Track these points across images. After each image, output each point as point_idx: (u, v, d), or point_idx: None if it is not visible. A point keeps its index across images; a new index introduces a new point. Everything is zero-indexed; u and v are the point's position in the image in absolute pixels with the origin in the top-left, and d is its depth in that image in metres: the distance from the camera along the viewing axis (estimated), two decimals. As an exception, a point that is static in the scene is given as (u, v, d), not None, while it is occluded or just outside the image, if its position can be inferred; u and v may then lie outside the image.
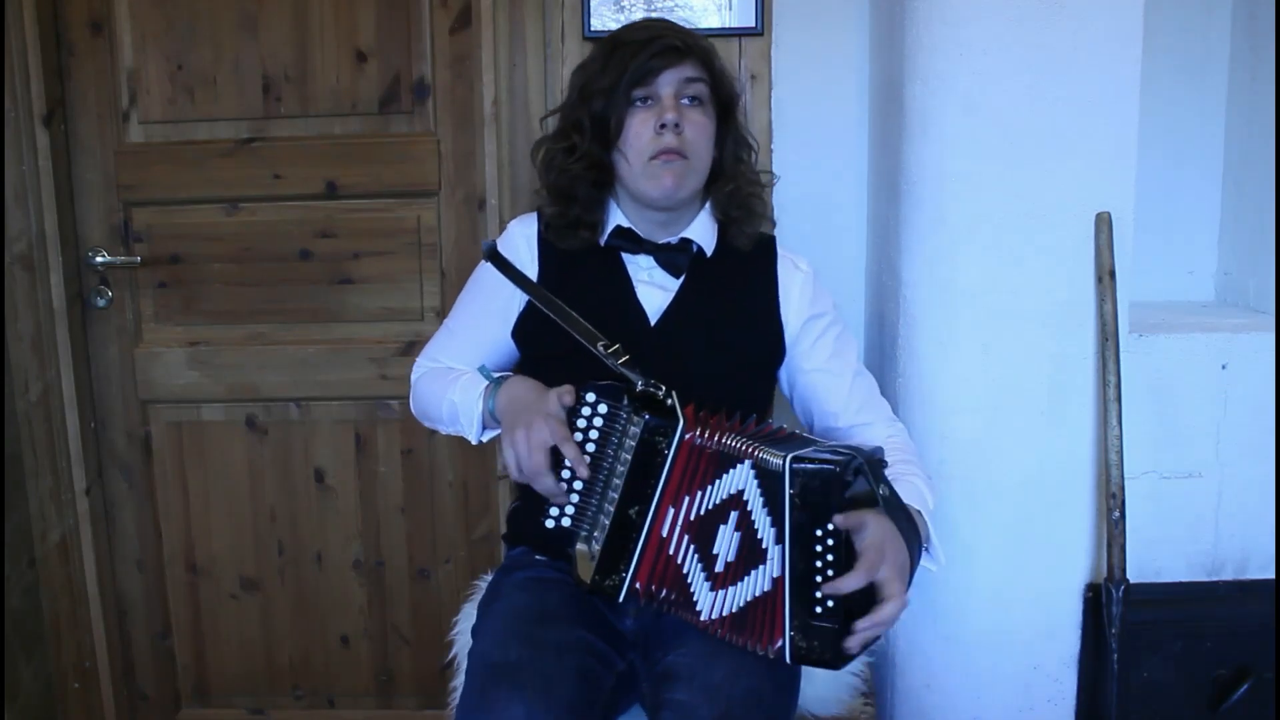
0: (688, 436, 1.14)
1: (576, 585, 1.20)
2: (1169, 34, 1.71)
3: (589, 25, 1.73)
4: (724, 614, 1.16)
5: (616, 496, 1.15)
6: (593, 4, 1.73)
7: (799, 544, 1.09)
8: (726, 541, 1.15)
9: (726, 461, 1.14)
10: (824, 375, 1.38)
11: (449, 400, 1.33)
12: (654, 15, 1.70)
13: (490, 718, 1.09)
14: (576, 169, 1.32)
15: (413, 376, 1.46)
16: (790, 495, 1.08)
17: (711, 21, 1.73)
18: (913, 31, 1.46)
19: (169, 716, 2.04)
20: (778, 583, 1.12)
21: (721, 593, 1.16)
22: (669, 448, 1.13)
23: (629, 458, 1.14)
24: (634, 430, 1.13)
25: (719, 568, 1.16)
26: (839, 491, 1.08)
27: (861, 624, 1.07)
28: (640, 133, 1.28)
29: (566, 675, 1.14)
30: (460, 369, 1.39)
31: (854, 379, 1.39)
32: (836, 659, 1.10)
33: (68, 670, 1.94)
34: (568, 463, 1.15)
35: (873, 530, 1.08)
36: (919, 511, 1.22)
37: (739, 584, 1.15)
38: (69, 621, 1.92)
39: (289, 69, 1.81)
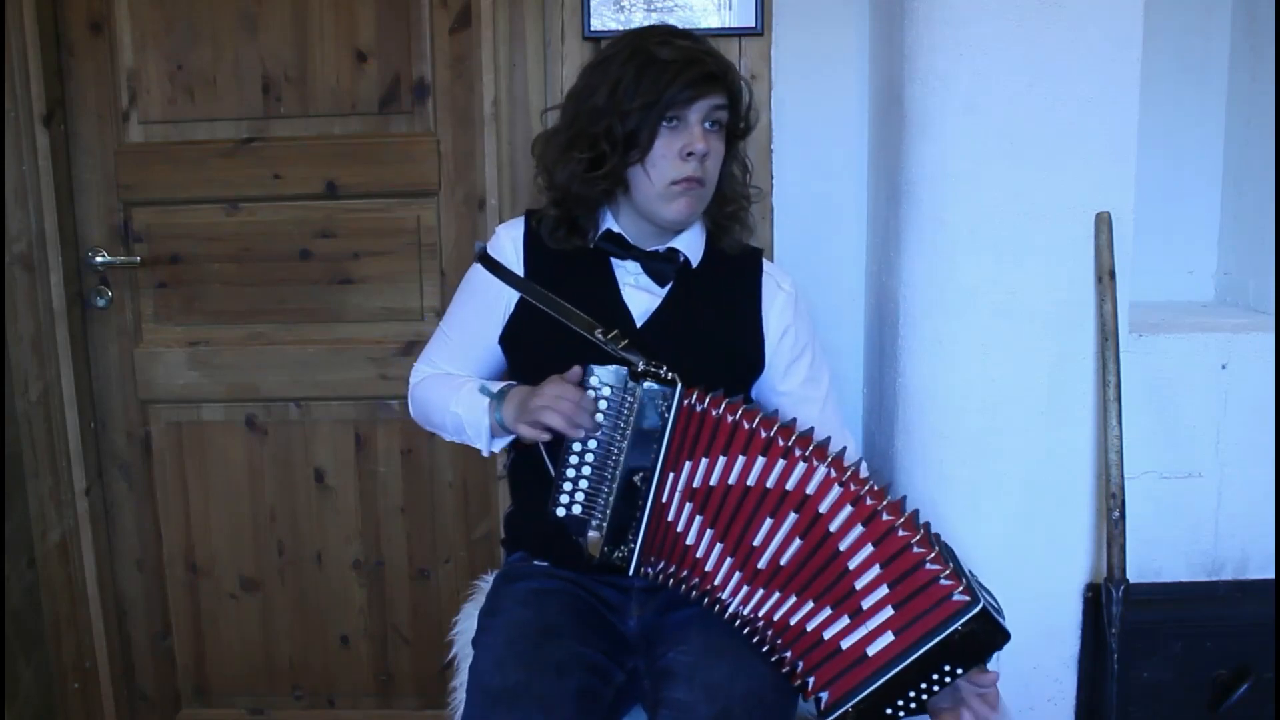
0: (686, 402, 1.15)
1: (586, 564, 1.20)
2: (1169, 34, 1.71)
3: (589, 25, 1.73)
4: (766, 616, 1.16)
5: (619, 470, 1.16)
6: (593, 4, 1.73)
7: (924, 664, 1.11)
8: (778, 541, 1.15)
9: (766, 450, 1.14)
10: (796, 401, 1.39)
11: (452, 412, 1.34)
12: (656, 19, 1.70)
13: None
14: (601, 184, 1.30)
15: (411, 381, 1.47)
16: (957, 628, 1.09)
17: (711, 21, 1.73)
18: (912, 31, 1.46)
19: (169, 716, 2.04)
20: (868, 662, 1.12)
21: (765, 593, 1.16)
22: (669, 412, 1.14)
23: (630, 429, 1.15)
24: (634, 404, 1.14)
25: (761, 564, 1.15)
26: (990, 653, 1.12)
27: None
28: (666, 154, 1.27)
29: (566, 697, 1.14)
30: (459, 376, 1.40)
31: (824, 407, 1.41)
32: None
33: (68, 670, 1.94)
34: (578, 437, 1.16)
35: (994, 692, 1.16)
36: None
37: (796, 600, 1.15)
38: (69, 621, 1.92)
39: (289, 69, 1.81)
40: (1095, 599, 1.52)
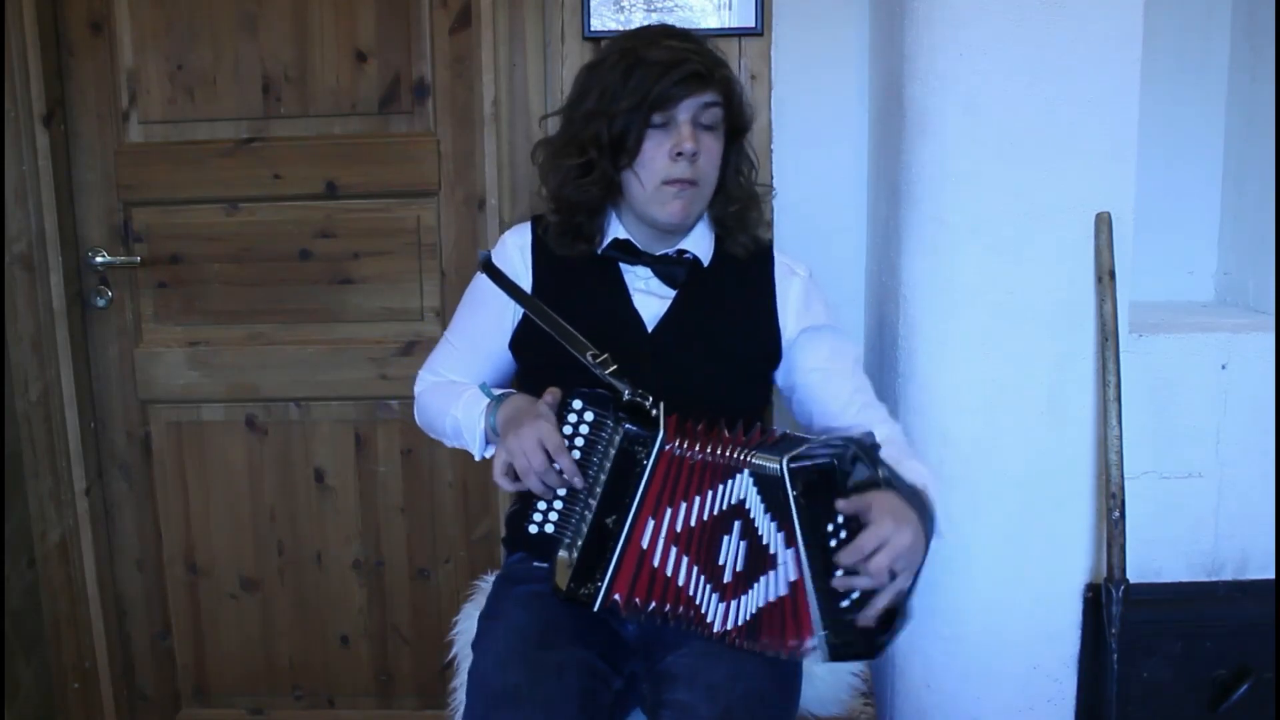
0: (668, 448, 1.14)
1: (553, 593, 1.20)
2: (1169, 34, 1.71)
3: (589, 25, 1.73)
4: (738, 623, 1.16)
5: (595, 505, 1.15)
6: (593, 4, 1.73)
7: (813, 543, 1.10)
8: (733, 552, 1.15)
9: (720, 473, 1.14)
10: (824, 375, 1.38)
11: (451, 416, 1.34)
12: (656, 19, 1.70)
13: None
14: (593, 190, 1.30)
15: (416, 389, 1.47)
16: (794, 496, 1.09)
17: (711, 21, 1.73)
18: (913, 31, 1.46)
19: (169, 716, 2.04)
20: (796, 585, 1.12)
21: (734, 603, 1.16)
22: (648, 458, 1.14)
23: (609, 466, 1.14)
24: (616, 439, 1.14)
25: (727, 578, 1.16)
26: (841, 482, 1.09)
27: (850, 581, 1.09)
28: (655, 156, 1.26)
29: (568, 698, 1.14)
30: (462, 383, 1.40)
31: (854, 380, 1.39)
32: (871, 648, 1.12)
33: (68, 670, 1.94)
34: (555, 465, 1.15)
35: (879, 504, 1.08)
36: (923, 487, 1.20)
37: (749, 593, 1.15)
38: (69, 621, 1.92)
39: (289, 69, 1.81)
40: (1095, 599, 1.52)
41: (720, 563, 1.16)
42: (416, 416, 1.47)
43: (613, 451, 1.14)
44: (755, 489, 1.13)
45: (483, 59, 1.79)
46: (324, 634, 2.00)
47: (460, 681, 1.40)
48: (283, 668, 2.02)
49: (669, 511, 1.16)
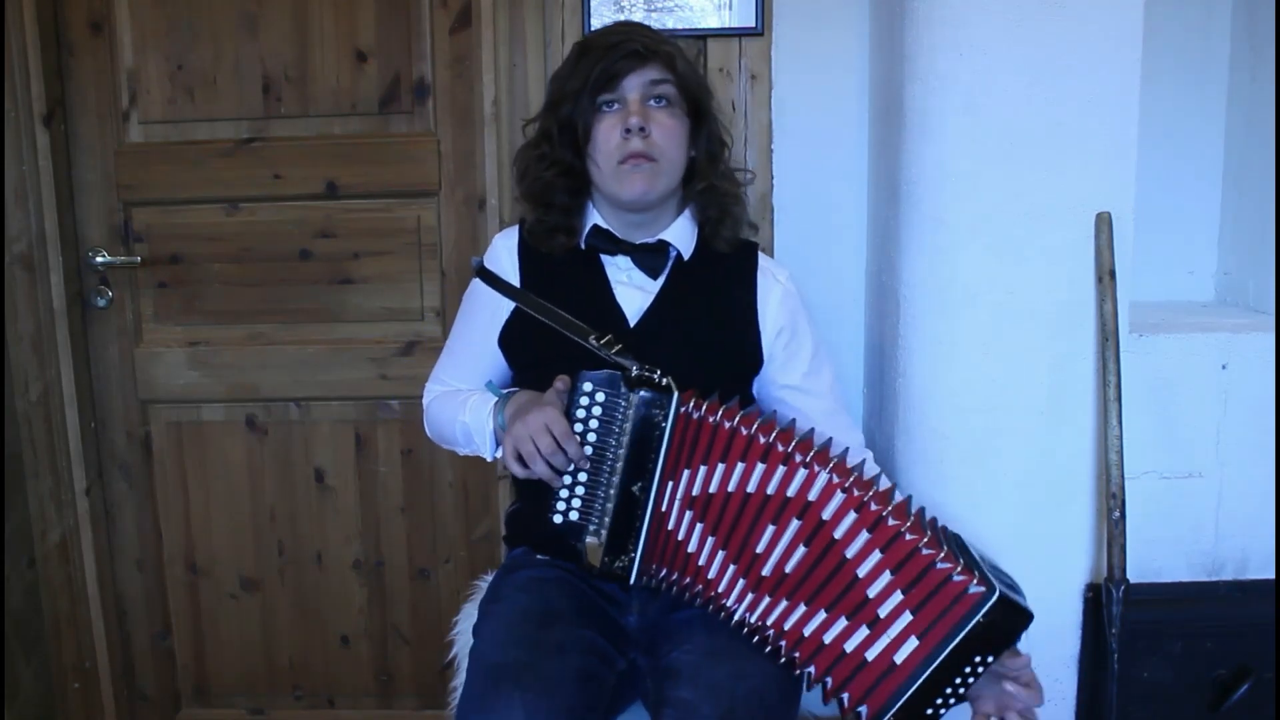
0: (683, 410, 1.15)
1: (587, 573, 1.20)
2: (1169, 34, 1.71)
3: (589, 25, 1.73)
4: (770, 623, 1.16)
5: (619, 479, 1.16)
6: (593, 4, 1.73)
7: (954, 660, 1.10)
8: (781, 548, 1.15)
9: (761, 454, 1.14)
10: (797, 394, 1.40)
11: (461, 422, 1.35)
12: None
13: (491, 718, 1.09)
14: (549, 175, 1.34)
15: (424, 401, 1.48)
16: (978, 620, 1.09)
17: (711, 21, 1.73)
18: (913, 31, 1.46)
19: (169, 716, 2.04)
20: (898, 670, 1.12)
21: (768, 599, 1.16)
22: (665, 420, 1.14)
23: (628, 439, 1.15)
24: (631, 412, 1.14)
25: (766, 571, 1.15)
26: (1017, 635, 1.11)
27: None
28: (608, 137, 1.29)
29: (567, 676, 1.14)
30: (467, 390, 1.41)
31: (830, 401, 1.41)
32: None
33: (68, 670, 1.94)
34: (564, 448, 1.15)
35: (1026, 669, 1.16)
36: None
37: (801, 607, 1.14)
38: (69, 621, 1.93)
39: (289, 69, 1.81)
40: (1095, 599, 1.52)
41: (757, 550, 1.15)
42: (427, 429, 1.48)
43: (629, 423, 1.14)
44: (885, 557, 1.11)
45: (483, 59, 1.79)
46: (324, 634, 2.00)
47: (460, 681, 1.40)
48: (283, 668, 2.02)
49: (686, 473, 1.16)
